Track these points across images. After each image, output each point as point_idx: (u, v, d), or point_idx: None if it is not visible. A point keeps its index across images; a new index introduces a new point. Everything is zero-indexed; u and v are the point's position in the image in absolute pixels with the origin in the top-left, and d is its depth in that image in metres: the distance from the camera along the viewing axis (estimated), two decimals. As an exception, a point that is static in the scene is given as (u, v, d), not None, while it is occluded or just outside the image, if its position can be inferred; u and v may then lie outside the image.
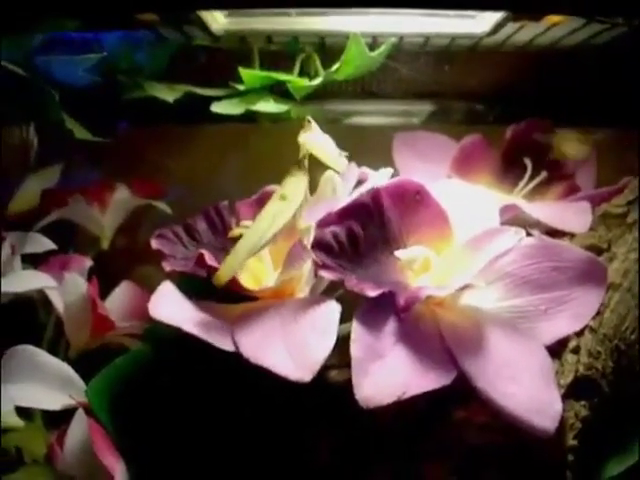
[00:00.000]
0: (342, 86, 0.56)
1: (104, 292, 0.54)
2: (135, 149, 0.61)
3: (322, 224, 0.42)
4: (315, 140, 0.42)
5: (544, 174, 0.55)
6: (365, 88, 0.58)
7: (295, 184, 0.42)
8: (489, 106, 0.60)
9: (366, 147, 0.52)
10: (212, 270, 0.41)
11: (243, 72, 0.50)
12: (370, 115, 0.63)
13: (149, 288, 0.43)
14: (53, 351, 0.51)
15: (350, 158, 0.43)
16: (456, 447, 0.41)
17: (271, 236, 0.42)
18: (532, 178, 0.55)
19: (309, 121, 0.42)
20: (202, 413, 0.43)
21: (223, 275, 0.41)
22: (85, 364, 0.47)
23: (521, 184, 0.55)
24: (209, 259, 0.41)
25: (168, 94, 0.50)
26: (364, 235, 0.42)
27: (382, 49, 0.49)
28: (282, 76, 0.51)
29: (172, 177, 0.64)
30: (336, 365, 0.43)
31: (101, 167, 0.63)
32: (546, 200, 0.55)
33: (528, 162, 0.55)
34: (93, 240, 0.58)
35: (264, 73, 0.51)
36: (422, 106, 0.61)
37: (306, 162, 0.42)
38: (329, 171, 0.44)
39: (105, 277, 0.56)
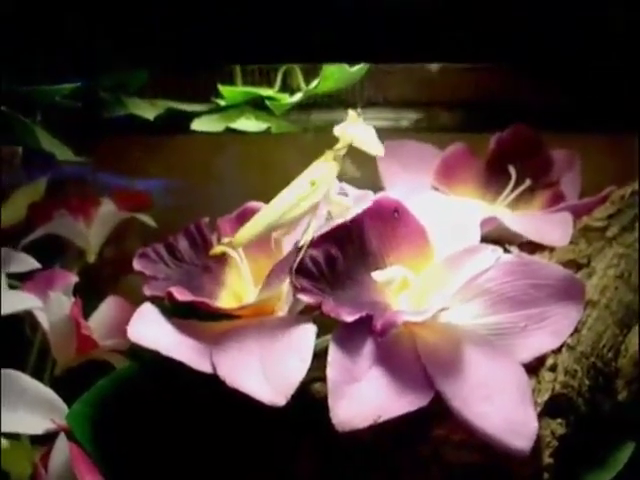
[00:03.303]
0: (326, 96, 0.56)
1: (94, 304, 0.55)
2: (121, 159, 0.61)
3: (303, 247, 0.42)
4: (356, 132, 0.42)
5: (528, 182, 0.55)
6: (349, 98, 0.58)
7: (326, 172, 0.43)
8: (475, 114, 0.60)
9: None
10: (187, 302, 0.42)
11: (223, 88, 0.50)
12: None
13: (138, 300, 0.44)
14: (40, 368, 0.52)
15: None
16: (433, 464, 0.41)
17: (290, 219, 0.42)
18: (517, 186, 0.55)
19: (354, 113, 0.42)
20: (188, 430, 0.43)
21: (237, 242, 0.44)
22: (73, 381, 0.48)
23: (505, 192, 0.55)
24: (179, 294, 0.42)
25: (149, 111, 0.50)
26: (342, 256, 0.42)
27: (362, 64, 0.48)
28: (263, 91, 0.51)
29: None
30: (320, 378, 0.43)
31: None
32: (531, 209, 0.55)
33: (512, 170, 0.55)
34: (80, 253, 0.59)
35: (244, 89, 0.51)
36: (408, 114, 0.61)
37: (343, 152, 0.42)
38: (339, 196, 0.44)
39: (94, 289, 0.57)
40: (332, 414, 0.37)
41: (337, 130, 0.42)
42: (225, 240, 0.47)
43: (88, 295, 0.54)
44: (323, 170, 0.42)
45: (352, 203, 0.43)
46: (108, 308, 0.54)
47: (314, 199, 0.42)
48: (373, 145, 0.43)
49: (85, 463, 0.39)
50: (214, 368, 0.40)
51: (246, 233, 0.43)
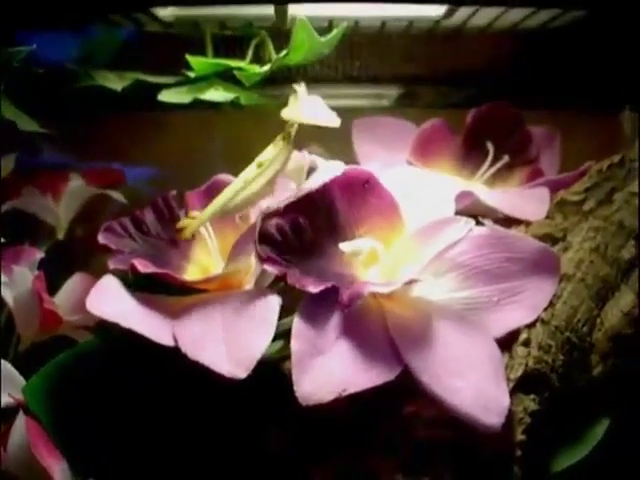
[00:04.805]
0: (300, 70, 0.55)
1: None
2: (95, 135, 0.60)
3: (267, 216, 0.41)
4: (300, 112, 0.41)
5: (506, 158, 0.54)
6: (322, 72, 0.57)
7: (275, 154, 0.42)
8: (451, 90, 0.59)
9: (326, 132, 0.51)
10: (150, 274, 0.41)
11: (192, 59, 0.48)
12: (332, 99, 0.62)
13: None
14: (5, 344, 0.50)
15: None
16: (404, 441, 0.40)
17: (241, 201, 0.41)
18: (494, 163, 0.54)
19: (295, 91, 0.41)
20: (148, 405, 0.42)
21: (187, 232, 0.43)
22: (42, 358, 0.47)
23: (482, 169, 0.54)
24: (142, 266, 0.41)
25: (116, 83, 0.48)
26: (311, 227, 0.41)
27: (333, 34, 0.47)
28: (233, 63, 0.50)
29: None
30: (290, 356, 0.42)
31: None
32: (509, 186, 0.54)
33: (490, 146, 0.54)
34: (50, 230, 0.58)
35: (214, 60, 0.50)
36: (384, 90, 0.60)
37: (292, 134, 0.41)
38: (299, 163, 0.43)
39: (67, 266, 0.56)
40: (296, 387, 0.36)
41: (284, 113, 0.41)
42: (193, 213, 0.46)
43: (60, 272, 0.53)
44: (271, 152, 0.42)
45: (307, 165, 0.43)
46: (75, 284, 0.52)
47: (262, 181, 0.41)
48: (324, 118, 0.41)
49: (41, 438, 0.38)
50: (175, 341, 0.39)
51: (196, 222, 0.43)
